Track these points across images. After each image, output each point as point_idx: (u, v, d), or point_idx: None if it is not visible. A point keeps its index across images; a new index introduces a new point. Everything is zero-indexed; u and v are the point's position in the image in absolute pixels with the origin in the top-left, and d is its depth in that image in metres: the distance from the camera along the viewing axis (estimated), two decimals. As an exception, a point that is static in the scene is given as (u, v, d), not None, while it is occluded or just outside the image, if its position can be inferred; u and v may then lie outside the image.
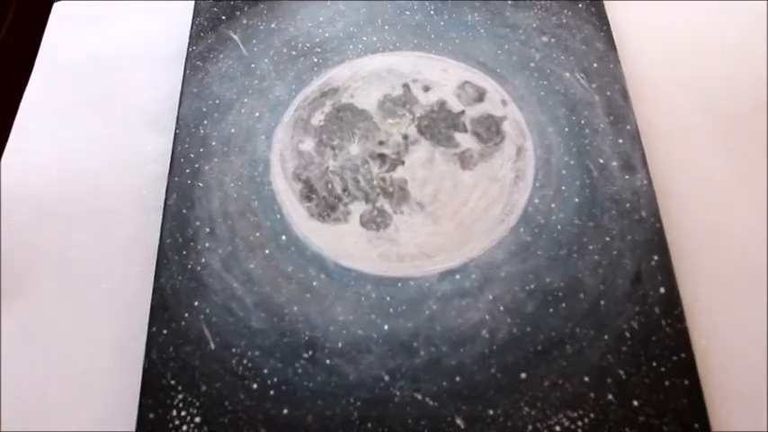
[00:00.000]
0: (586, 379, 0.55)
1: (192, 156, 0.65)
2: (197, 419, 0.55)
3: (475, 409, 0.54)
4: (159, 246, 0.62)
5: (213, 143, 0.66)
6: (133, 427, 0.55)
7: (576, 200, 0.62)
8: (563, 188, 0.62)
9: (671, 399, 0.54)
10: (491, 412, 0.54)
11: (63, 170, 0.68)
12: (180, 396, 0.56)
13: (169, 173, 0.65)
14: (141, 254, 0.63)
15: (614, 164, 0.63)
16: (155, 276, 0.61)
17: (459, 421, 0.54)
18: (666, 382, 0.54)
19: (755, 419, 0.55)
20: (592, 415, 0.54)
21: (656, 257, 0.59)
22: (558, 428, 0.54)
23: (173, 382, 0.57)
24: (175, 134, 0.66)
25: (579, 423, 0.54)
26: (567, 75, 0.68)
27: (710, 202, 0.63)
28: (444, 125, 0.66)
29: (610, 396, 0.54)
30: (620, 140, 0.64)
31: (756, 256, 0.61)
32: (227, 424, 0.55)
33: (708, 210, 0.62)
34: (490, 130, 0.65)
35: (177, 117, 0.67)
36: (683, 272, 0.59)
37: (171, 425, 0.55)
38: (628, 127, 0.65)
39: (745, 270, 0.60)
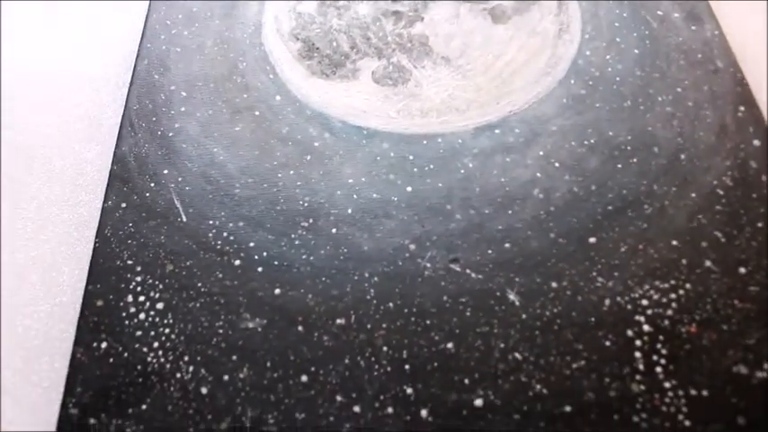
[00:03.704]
0: (675, 243, 0.39)
1: (169, 23, 0.50)
2: (159, 306, 0.38)
3: (533, 281, 0.38)
4: (123, 113, 0.46)
5: (194, 9, 0.51)
6: (75, 318, 0.38)
7: (636, 51, 0.47)
8: (617, 40, 0.47)
9: (789, 265, 0.38)
10: (554, 285, 0.37)
11: (20, 53, 0.52)
12: (138, 279, 0.39)
13: (141, 40, 0.50)
14: (104, 131, 0.47)
15: (676, 15, 0.48)
16: (116, 145, 0.45)
17: (512, 296, 0.37)
18: (780, 246, 0.38)
19: None
20: (688, 285, 0.37)
21: (742, 108, 0.44)
22: (644, 302, 0.37)
23: (129, 263, 0.40)
24: (149, 5, 0.52)
25: (672, 295, 0.37)
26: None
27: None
28: (470, -18, 0.51)
29: (708, 263, 0.38)
30: (680, -7, 0.50)
31: None
32: (200, 309, 0.38)
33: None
34: (524, -14, 0.51)
35: (154, -14, 0.53)
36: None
37: (124, 313, 0.38)
38: (686, -20, 0.51)
39: None
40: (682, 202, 0.40)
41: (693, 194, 0.40)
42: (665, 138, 0.43)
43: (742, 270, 0.38)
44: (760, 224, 0.39)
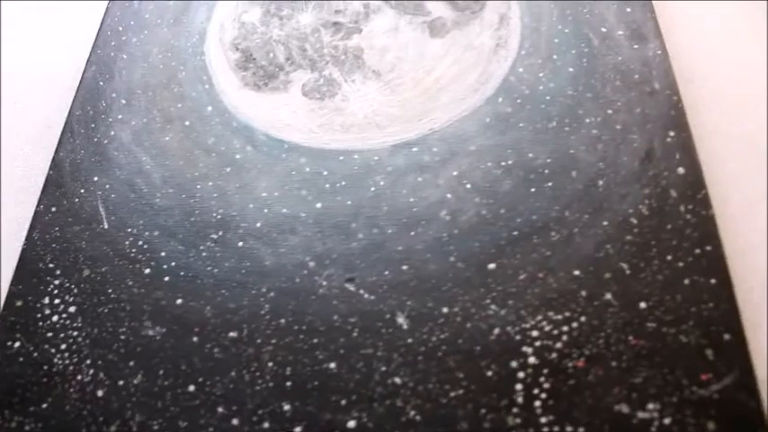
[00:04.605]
0: (577, 273, 0.38)
1: (121, 29, 0.52)
2: (71, 309, 0.40)
3: (424, 305, 0.37)
4: (66, 119, 0.47)
5: (146, 16, 0.52)
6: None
7: (571, 69, 0.45)
8: (554, 57, 0.46)
9: (691, 301, 0.36)
10: (445, 310, 0.37)
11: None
12: (56, 282, 0.41)
13: (92, 46, 0.51)
14: (51, 135, 0.49)
15: (620, 33, 0.46)
16: (55, 151, 0.46)
17: (401, 320, 0.37)
18: (686, 281, 0.36)
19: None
20: (583, 318, 0.36)
21: (672, 133, 0.42)
22: (534, 334, 0.36)
23: (51, 266, 0.41)
24: (107, 7, 0.53)
25: (564, 328, 0.36)
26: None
27: (736, 77, 0.45)
28: (414, -7, 0.50)
29: (608, 296, 0.37)
30: (628, 9, 0.48)
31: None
32: (106, 315, 0.39)
33: (734, 86, 0.45)
34: (468, -2, 0.50)
35: (112, -8, 0.54)
36: (709, 152, 0.42)
37: (39, 314, 0.40)
38: (638, -5, 0.48)
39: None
40: (591, 231, 0.39)
41: (605, 223, 0.39)
42: (587, 161, 0.41)
43: (642, 305, 0.36)
44: (669, 257, 0.37)
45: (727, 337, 0.35)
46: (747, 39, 0.47)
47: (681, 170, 0.40)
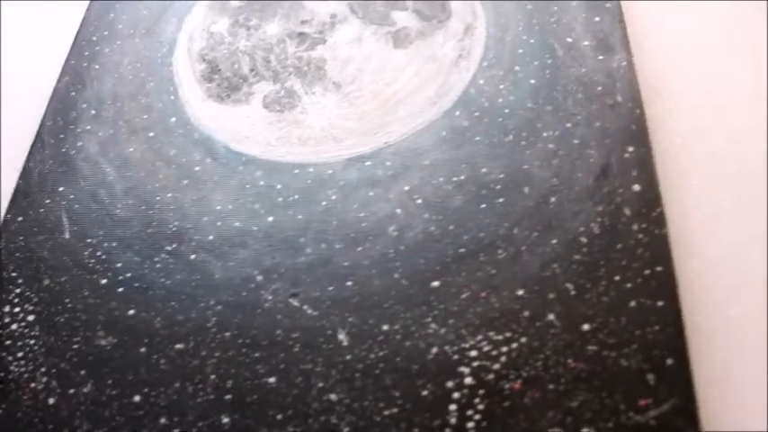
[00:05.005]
0: (521, 293, 0.37)
1: (95, 39, 0.53)
2: (30, 318, 0.41)
3: (365, 322, 0.38)
4: (38, 129, 0.49)
5: (120, 26, 0.53)
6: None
7: (533, 81, 0.44)
8: (517, 68, 0.45)
9: (636, 324, 0.35)
10: (386, 327, 0.37)
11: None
12: (18, 291, 0.42)
13: (67, 56, 0.52)
14: (22, 144, 0.50)
15: (586, 43, 0.46)
16: (25, 160, 0.48)
17: (341, 336, 0.37)
18: (632, 303, 0.36)
19: (751, 357, 0.35)
20: (523, 339, 0.36)
21: (630, 149, 0.41)
22: (473, 354, 0.36)
23: (14, 275, 0.43)
24: (83, 18, 0.54)
25: (504, 349, 0.36)
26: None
27: (707, 89, 0.44)
28: (381, 2, 0.50)
29: (551, 316, 0.36)
30: (597, 18, 0.47)
31: (757, 160, 0.41)
32: (62, 324, 0.40)
33: (704, 98, 0.44)
34: (434, 7, 0.49)
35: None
36: (674, 168, 0.41)
37: (0, 323, 0.41)
38: (608, 4, 0.47)
39: (745, 174, 0.41)
40: (539, 249, 0.38)
41: (554, 241, 0.39)
42: (540, 177, 0.41)
43: (585, 327, 0.36)
44: (617, 277, 0.37)
45: (669, 361, 0.34)
46: (720, 49, 0.45)
47: (636, 187, 0.39)
